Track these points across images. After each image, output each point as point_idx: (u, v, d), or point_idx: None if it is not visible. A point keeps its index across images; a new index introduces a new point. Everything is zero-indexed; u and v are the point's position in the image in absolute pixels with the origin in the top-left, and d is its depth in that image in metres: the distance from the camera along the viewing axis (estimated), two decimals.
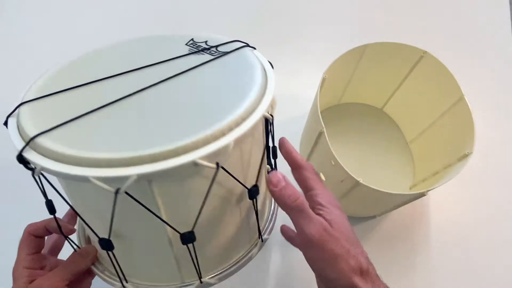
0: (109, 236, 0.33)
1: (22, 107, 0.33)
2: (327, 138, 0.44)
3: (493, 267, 0.57)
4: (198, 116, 0.32)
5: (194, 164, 0.28)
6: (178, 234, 0.33)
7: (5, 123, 0.33)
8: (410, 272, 0.57)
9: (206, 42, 0.41)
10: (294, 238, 0.41)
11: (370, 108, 0.67)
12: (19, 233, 0.38)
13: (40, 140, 0.30)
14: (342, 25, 0.79)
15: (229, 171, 0.32)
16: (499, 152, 0.66)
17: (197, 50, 0.39)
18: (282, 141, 0.38)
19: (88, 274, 0.39)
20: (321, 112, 0.46)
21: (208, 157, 0.29)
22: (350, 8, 0.81)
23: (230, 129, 0.31)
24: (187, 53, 0.39)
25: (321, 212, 0.34)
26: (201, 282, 0.39)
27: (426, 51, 0.52)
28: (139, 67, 0.37)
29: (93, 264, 0.39)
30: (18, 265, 0.36)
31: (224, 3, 0.79)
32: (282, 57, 0.72)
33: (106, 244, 0.34)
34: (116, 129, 0.32)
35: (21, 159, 0.30)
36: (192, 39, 0.41)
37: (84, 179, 0.28)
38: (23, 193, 0.59)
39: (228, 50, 0.39)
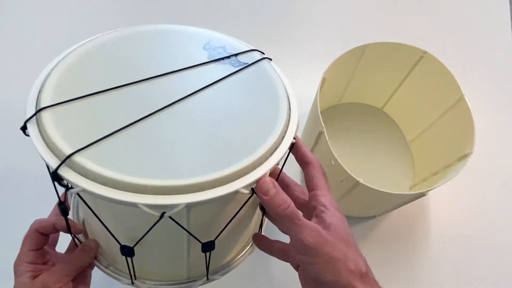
0: (134, 246, 0.33)
1: (42, 113, 0.31)
2: (327, 138, 0.44)
3: (493, 267, 0.57)
4: (235, 142, 0.33)
5: (236, 192, 0.30)
6: (199, 243, 0.34)
7: (23, 129, 0.31)
8: (410, 272, 0.57)
9: (224, 48, 0.40)
10: (268, 246, 0.40)
11: (370, 108, 0.67)
12: (15, 232, 0.38)
13: (77, 159, 0.29)
14: (342, 25, 0.79)
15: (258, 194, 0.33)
16: (499, 152, 0.66)
17: (217, 57, 0.39)
18: None
19: (88, 266, 0.39)
20: (321, 112, 0.46)
21: (247, 186, 0.31)
22: (350, 8, 0.81)
23: (265, 158, 0.32)
24: (207, 60, 0.38)
25: (323, 214, 0.33)
26: (207, 279, 0.40)
27: (426, 51, 0.52)
28: (161, 73, 0.36)
29: (95, 258, 0.39)
30: (20, 260, 0.36)
31: (224, 3, 0.79)
32: (282, 57, 0.72)
33: (129, 251, 0.34)
34: (153, 150, 0.31)
35: (56, 176, 0.29)
36: (209, 42, 0.40)
37: (132, 205, 0.28)
38: (21, 191, 0.59)
39: (249, 62, 0.39)
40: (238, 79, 0.38)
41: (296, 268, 0.36)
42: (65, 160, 0.29)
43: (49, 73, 0.34)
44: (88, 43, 0.37)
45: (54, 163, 0.29)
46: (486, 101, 0.71)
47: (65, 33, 0.73)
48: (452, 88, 0.51)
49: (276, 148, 0.33)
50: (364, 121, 0.66)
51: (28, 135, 0.31)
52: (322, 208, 0.34)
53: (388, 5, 0.82)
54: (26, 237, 0.37)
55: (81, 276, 0.38)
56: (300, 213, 0.32)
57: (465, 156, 0.47)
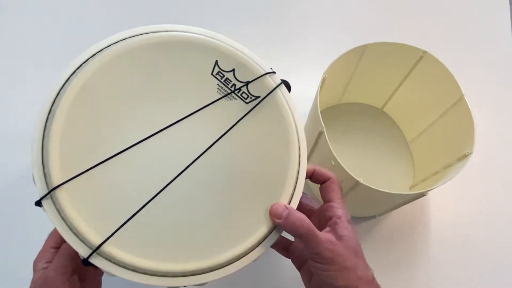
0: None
1: (57, 191, 0.30)
2: (327, 138, 0.44)
3: (493, 267, 0.57)
4: (244, 216, 0.34)
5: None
6: None
7: (39, 204, 0.31)
8: (410, 272, 0.57)
9: (233, 71, 0.37)
10: (286, 249, 0.42)
11: (370, 108, 0.67)
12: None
13: (106, 249, 0.30)
14: (342, 25, 0.79)
15: None
16: (499, 152, 0.66)
17: (228, 90, 0.37)
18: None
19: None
20: (321, 112, 0.46)
21: (262, 253, 0.34)
22: (350, 8, 0.81)
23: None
24: (218, 96, 0.36)
25: (336, 226, 0.36)
26: None
27: (426, 51, 0.52)
28: (171, 123, 0.34)
29: None
30: (39, 257, 0.36)
31: (224, 3, 0.79)
32: (282, 57, 0.72)
33: None
34: (173, 229, 0.32)
35: (87, 262, 0.30)
36: (217, 63, 0.37)
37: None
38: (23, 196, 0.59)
39: (261, 95, 0.37)
40: (250, 125, 0.36)
41: (299, 268, 0.39)
42: (96, 250, 0.30)
43: (48, 124, 0.32)
44: (86, 68, 0.33)
45: (84, 252, 0.30)
46: (486, 101, 0.71)
47: (60, 38, 0.73)
48: (452, 88, 0.51)
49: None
50: (364, 121, 0.66)
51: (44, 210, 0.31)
52: (337, 220, 0.36)
53: (388, 5, 0.82)
54: (51, 235, 0.38)
55: (92, 280, 0.39)
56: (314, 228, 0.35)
57: (465, 156, 0.47)
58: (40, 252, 0.37)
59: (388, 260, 0.57)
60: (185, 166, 0.34)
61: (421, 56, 0.53)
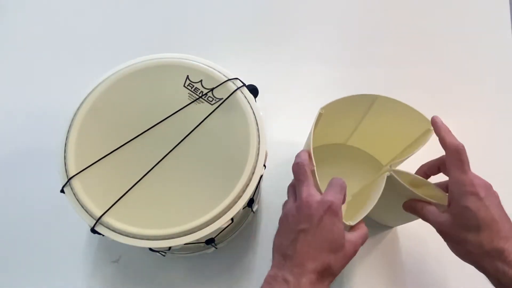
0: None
1: (72, 180, 0.42)
2: (317, 177, 0.44)
3: None
4: (220, 186, 0.43)
5: (219, 228, 0.42)
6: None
7: (62, 191, 0.42)
8: (418, 273, 0.57)
9: (201, 82, 0.47)
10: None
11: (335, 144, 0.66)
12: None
13: (105, 219, 0.41)
14: (342, 25, 0.79)
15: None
16: (499, 152, 0.66)
17: (196, 96, 0.46)
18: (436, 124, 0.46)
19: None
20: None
21: (227, 221, 0.42)
22: (348, 13, 0.81)
23: (239, 196, 0.42)
24: (189, 101, 0.46)
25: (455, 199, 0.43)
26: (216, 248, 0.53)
27: (378, 95, 0.50)
28: (155, 122, 0.45)
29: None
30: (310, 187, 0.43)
31: (224, 3, 0.79)
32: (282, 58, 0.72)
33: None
34: (157, 203, 0.42)
35: (93, 229, 0.41)
36: (188, 77, 0.47)
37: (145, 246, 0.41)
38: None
39: (223, 97, 0.46)
40: (215, 119, 0.46)
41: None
42: (98, 220, 0.41)
43: (68, 134, 0.43)
44: (93, 93, 0.45)
45: (90, 222, 0.41)
46: (486, 102, 0.71)
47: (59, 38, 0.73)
48: (418, 122, 0.50)
49: (250, 180, 0.43)
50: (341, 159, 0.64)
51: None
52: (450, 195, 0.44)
53: (388, 5, 0.82)
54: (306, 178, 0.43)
55: None
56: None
57: (428, 131, 0.47)
58: (308, 190, 0.42)
59: (391, 262, 0.56)
60: (162, 156, 0.44)
61: (373, 101, 0.51)
